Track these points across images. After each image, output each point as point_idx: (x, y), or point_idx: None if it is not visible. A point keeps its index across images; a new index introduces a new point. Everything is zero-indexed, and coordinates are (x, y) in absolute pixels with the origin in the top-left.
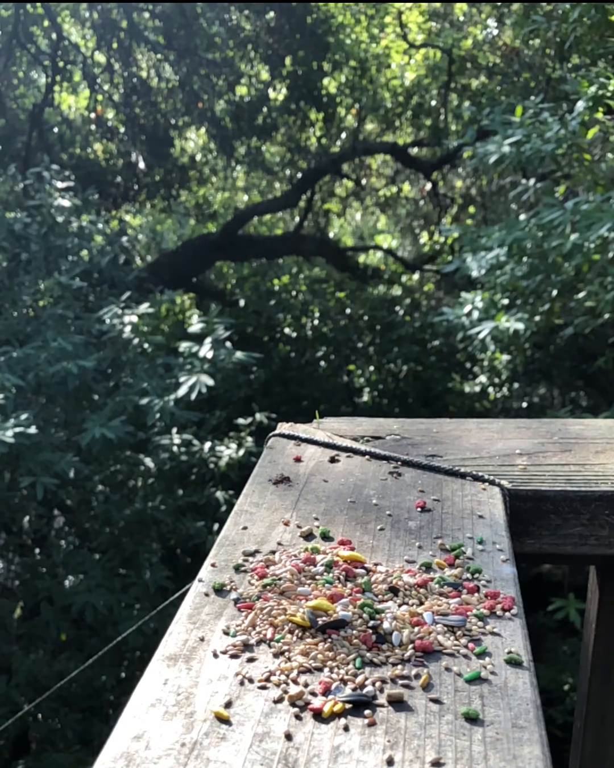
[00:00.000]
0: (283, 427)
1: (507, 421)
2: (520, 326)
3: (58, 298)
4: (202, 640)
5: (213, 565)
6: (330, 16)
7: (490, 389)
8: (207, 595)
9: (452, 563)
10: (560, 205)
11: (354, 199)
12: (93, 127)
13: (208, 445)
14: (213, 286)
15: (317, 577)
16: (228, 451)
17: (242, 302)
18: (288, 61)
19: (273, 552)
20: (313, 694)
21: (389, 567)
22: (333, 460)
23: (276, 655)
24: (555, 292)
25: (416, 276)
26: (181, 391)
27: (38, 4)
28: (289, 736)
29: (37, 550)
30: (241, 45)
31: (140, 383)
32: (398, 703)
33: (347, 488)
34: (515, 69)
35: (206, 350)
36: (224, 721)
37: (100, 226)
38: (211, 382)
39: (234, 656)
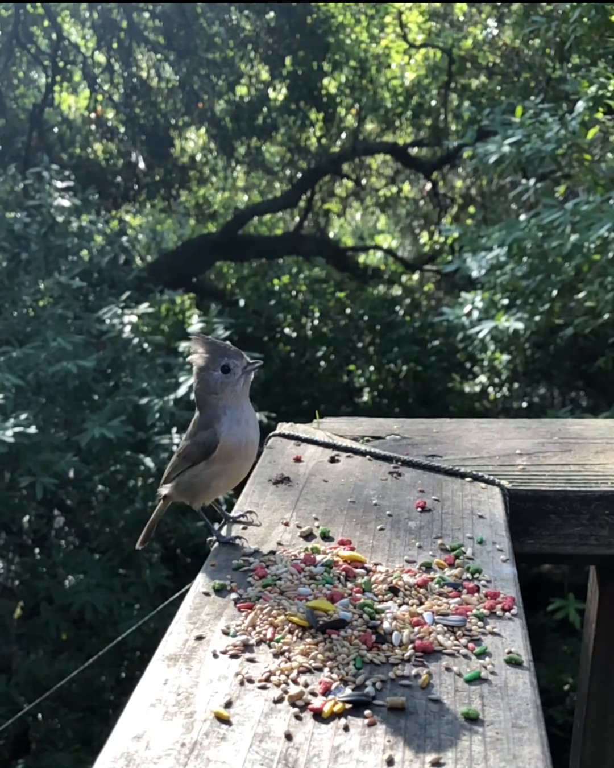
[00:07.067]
0: (283, 427)
1: (507, 421)
2: (520, 326)
3: (58, 298)
4: (202, 640)
5: (213, 565)
6: (330, 16)
7: (490, 389)
8: (207, 595)
9: (452, 563)
10: (560, 205)
11: (354, 199)
12: (93, 127)
13: None
14: (213, 286)
15: (317, 577)
16: None
17: (242, 302)
18: (288, 61)
19: (273, 552)
20: (313, 694)
21: (389, 567)
22: (333, 460)
23: (276, 655)
24: (555, 292)
25: (416, 276)
26: (181, 391)
27: (38, 4)
28: (289, 736)
29: (37, 550)
30: (241, 45)
31: (140, 383)
32: (398, 704)
33: (347, 488)
34: (515, 69)
35: None
36: (224, 721)
37: (100, 226)
38: None
39: (234, 656)
